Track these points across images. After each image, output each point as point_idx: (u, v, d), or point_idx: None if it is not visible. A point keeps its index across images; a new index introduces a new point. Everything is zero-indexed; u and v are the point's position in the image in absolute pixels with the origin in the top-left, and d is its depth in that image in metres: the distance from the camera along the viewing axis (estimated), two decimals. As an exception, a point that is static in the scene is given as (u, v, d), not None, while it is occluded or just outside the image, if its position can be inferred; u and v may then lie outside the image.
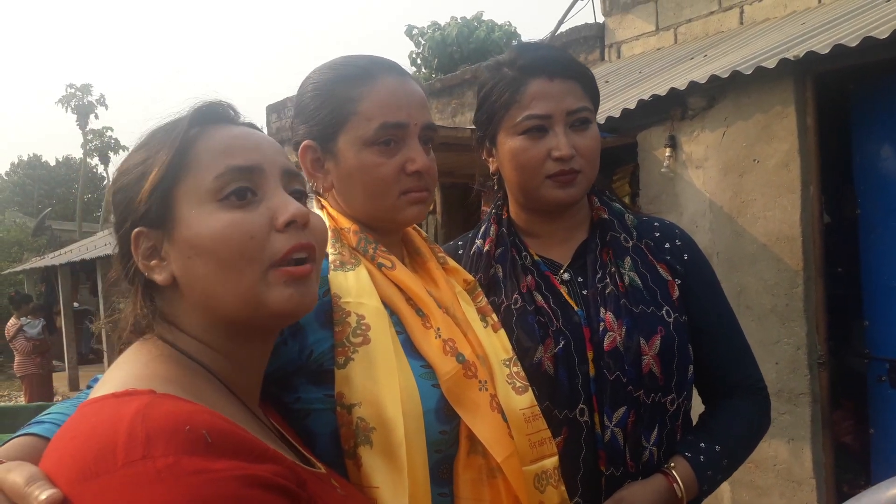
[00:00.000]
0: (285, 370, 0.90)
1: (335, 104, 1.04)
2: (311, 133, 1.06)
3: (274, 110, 8.98)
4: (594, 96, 1.29)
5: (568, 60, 1.26)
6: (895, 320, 2.93)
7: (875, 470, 2.95)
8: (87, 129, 27.07)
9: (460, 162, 4.19)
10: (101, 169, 29.66)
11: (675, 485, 1.16)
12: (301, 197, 0.81)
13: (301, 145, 1.07)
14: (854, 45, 2.67)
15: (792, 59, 2.89)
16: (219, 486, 0.60)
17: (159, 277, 0.75)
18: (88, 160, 28.72)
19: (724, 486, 3.27)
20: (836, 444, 3.31)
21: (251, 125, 0.83)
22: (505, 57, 1.29)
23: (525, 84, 1.23)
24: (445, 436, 0.95)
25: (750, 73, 3.02)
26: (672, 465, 1.19)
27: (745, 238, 3.17)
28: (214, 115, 0.79)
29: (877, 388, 3.01)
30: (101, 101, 27.51)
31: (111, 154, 27.18)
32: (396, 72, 1.07)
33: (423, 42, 13.22)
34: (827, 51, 2.76)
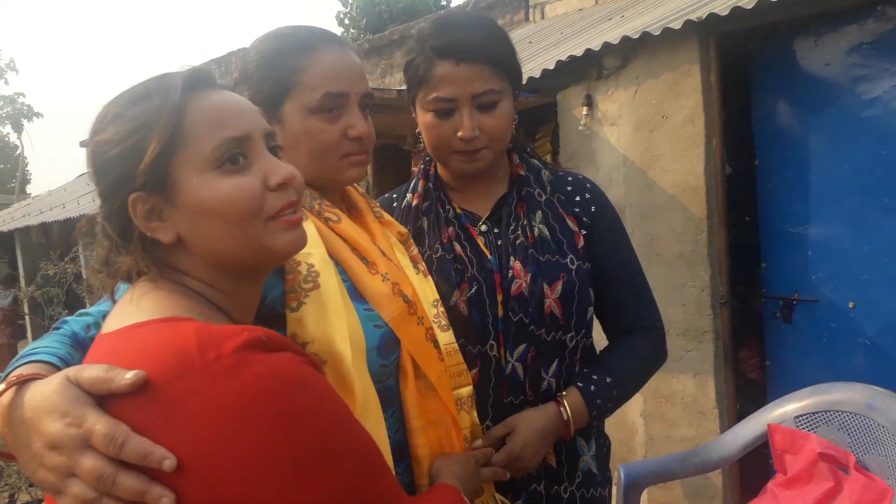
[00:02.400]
0: None
1: (281, 74, 1.14)
2: (257, 99, 1.15)
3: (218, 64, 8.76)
4: (510, 72, 1.36)
5: (477, 44, 1.32)
6: (787, 261, 3.20)
7: (770, 398, 3.23)
8: (-3, 95, 25.61)
9: (390, 122, 4.25)
10: (13, 137, 28.15)
11: (561, 408, 1.33)
12: (277, 151, 0.90)
13: None
14: (750, 7, 2.86)
15: (696, 20, 3.06)
16: (285, 365, 0.72)
17: (164, 237, 0.83)
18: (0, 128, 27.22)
19: (638, 421, 3.54)
20: (743, 379, 3.61)
21: (228, 87, 0.90)
22: (425, 30, 1.37)
23: (434, 66, 1.32)
24: (386, 368, 1.11)
25: (658, 33, 3.19)
26: (564, 393, 1.35)
27: (655, 190, 3.38)
28: (199, 82, 0.85)
29: (772, 323, 3.29)
30: (11, 66, 26.03)
31: (24, 121, 25.78)
32: (337, 43, 1.18)
33: (350, 2, 12.99)
34: (727, 12, 2.94)
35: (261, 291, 0.95)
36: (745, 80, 3.37)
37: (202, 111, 0.83)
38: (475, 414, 1.26)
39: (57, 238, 10.65)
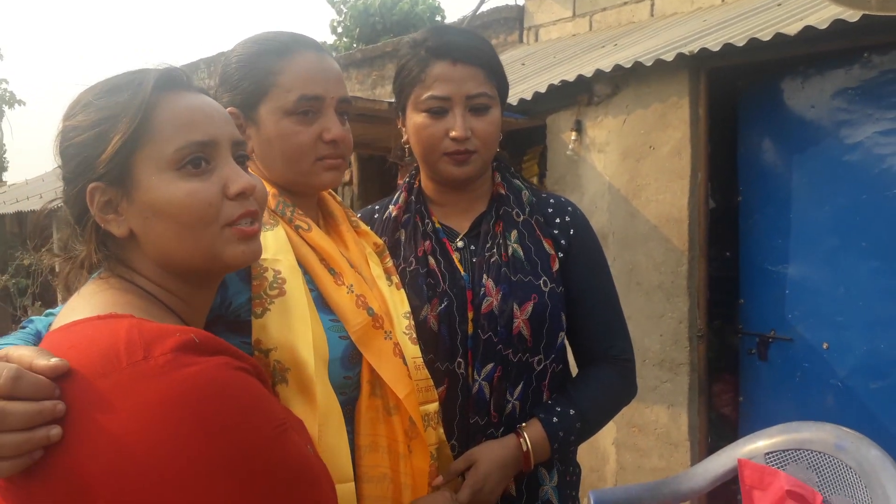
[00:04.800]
0: (206, 318, 1.00)
1: (258, 76, 1.14)
2: (234, 101, 1.16)
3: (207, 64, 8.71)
4: (500, 83, 1.40)
5: (473, 47, 1.37)
6: (765, 298, 3.22)
7: (742, 434, 3.25)
8: (-22, 80, 25.19)
9: (378, 134, 4.25)
10: (-6, 123, 27.63)
11: (521, 440, 1.31)
12: (244, 160, 0.90)
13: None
14: (741, 44, 2.90)
15: (687, 53, 3.10)
16: (213, 371, 0.71)
17: (117, 231, 0.83)
18: (-20, 113, 26.74)
19: (610, 449, 3.54)
20: (716, 414, 3.63)
21: (203, 91, 0.90)
22: (419, 36, 1.40)
23: (430, 65, 1.35)
24: (349, 381, 1.10)
25: (650, 64, 3.23)
26: (525, 424, 1.33)
27: (638, 219, 3.41)
28: (172, 82, 0.85)
29: (747, 360, 3.32)
30: (-2, 51, 25.69)
31: (5, 108, 25.40)
32: (315, 48, 1.18)
33: (344, 11, 13.00)
34: (718, 48, 2.99)
35: (213, 297, 0.94)
36: (733, 115, 3.41)
37: (171, 111, 0.83)
38: (442, 430, 1.25)
39: (32, 228, 10.40)
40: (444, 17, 12.99)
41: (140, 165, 0.81)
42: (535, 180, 4.56)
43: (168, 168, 0.81)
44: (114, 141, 0.80)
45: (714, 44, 3.04)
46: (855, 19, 2.58)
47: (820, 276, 3.02)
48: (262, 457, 0.71)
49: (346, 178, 5.45)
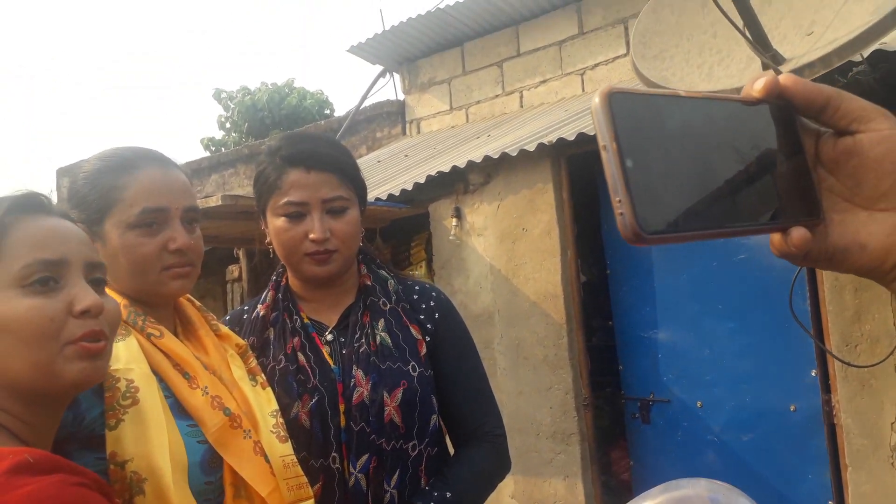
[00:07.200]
0: (58, 436, 0.98)
1: (102, 191, 1.17)
2: (81, 217, 1.18)
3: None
4: (356, 184, 1.46)
5: (325, 154, 1.43)
6: (642, 364, 3.43)
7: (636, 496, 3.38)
8: None
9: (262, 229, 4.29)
10: None
11: None
12: (100, 283, 0.90)
13: None
14: (593, 133, 3.18)
15: (547, 143, 3.37)
16: (48, 490, 0.70)
17: None
18: None
19: (514, 526, 3.57)
20: (615, 480, 3.74)
21: (64, 215, 0.92)
22: (275, 144, 1.46)
23: (286, 173, 1.40)
24: (211, 486, 1.09)
25: (515, 154, 3.47)
26: None
27: (519, 297, 3.58)
28: (30, 205, 0.87)
29: (632, 424, 3.48)
30: None
31: None
32: (159, 162, 1.22)
33: (232, 106, 13.11)
34: (573, 137, 3.26)
35: (59, 421, 0.93)
36: (595, 195, 3.69)
37: (24, 232, 0.84)
38: None
39: None
40: (332, 111, 13.29)
41: None
42: (423, 265, 4.70)
43: (13, 285, 0.81)
44: None
45: (570, 133, 3.32)
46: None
47: (687, 339, 3.26)
48: None
49: (235, 274, 5.41)
